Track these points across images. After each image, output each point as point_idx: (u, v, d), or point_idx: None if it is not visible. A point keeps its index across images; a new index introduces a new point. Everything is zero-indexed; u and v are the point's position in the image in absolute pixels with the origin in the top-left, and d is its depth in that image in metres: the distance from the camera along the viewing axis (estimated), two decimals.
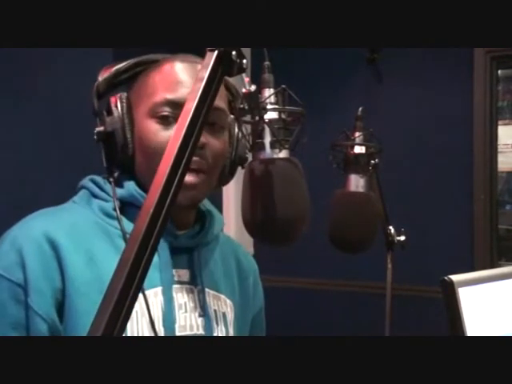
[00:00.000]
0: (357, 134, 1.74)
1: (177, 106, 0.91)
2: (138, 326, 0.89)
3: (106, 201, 0.95)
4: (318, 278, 3.29)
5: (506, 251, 3.14)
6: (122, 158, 0.95)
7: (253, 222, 0.90)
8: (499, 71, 3.09)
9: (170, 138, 0.61)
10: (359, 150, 1.73)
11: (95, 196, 0.97)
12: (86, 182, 1.00)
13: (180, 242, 0.97)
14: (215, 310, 0.99)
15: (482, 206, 3.00)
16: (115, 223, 0.93)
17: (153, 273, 0.91)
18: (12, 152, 2.30)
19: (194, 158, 0.91)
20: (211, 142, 0.95)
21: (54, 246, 0.88)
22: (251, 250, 3.36)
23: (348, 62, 3.21)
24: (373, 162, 1.70)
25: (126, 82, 1.00)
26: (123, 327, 0.52)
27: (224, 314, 1.00)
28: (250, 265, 1.13)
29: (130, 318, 0.87)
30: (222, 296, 1.01)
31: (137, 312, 0.89)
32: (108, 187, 0.96)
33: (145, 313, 0.89)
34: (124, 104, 0.96)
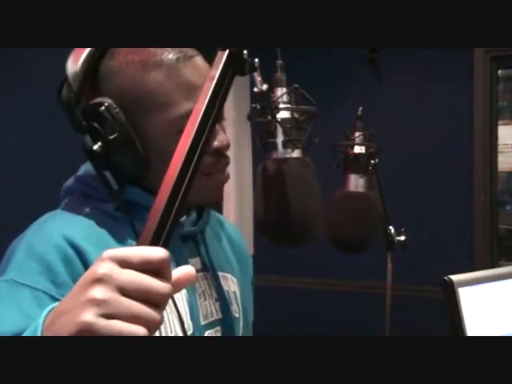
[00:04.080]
0: (357, 133, 1.74)
1: None
2: (169, 322, 0.88)
3: (103, 201, 0.89)
4: (318, 277, 3.29)
5: (506, 251, 3.14)
6: (129, 174, 0.88)
7: (266, 221, 0.89)
8: (499, 71, 3.09)
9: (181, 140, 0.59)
10: (359, 149, 1.73)
11: (89, 197, 0.91)
12: (74, 183, 0.94)
13: (185, 229, 0.94)
14: (227, 291, 1.00)
15: (482, 206, 3.00)
16: (121, 224, 0.88)
17: (171, 266, 0.91)
18: (12, 153, 2.30)
19: (226, 160, 0.91)
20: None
21: (78, 251, 0.83)
22: (251, 250, 3.37)
23: (348, 61, 3.21)
24: (373, 162, 1.70)
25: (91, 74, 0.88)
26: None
27: (234, 293, 1.01)
28: (239, 237, 1.13)
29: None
30: (229, 275, 1.02)
31: (166, 309, 0.86)
32: (97, 184, 0.89)
33: (173, 309, 0.88)
34: (122, 116, 0.85)
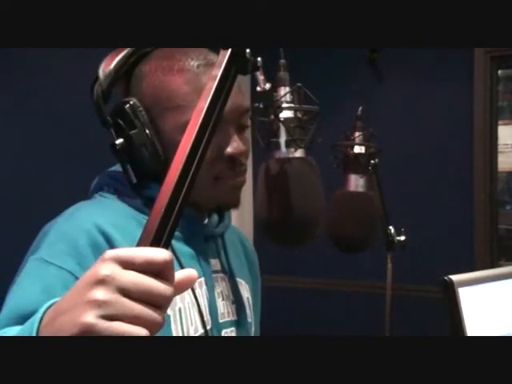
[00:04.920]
0: (357, 133, 1.74)
1: None
2: (190, 315, 0.91)
3: (132, 197, 0.93)
4: (318, 277, 3.29)
5: (506, 251, 3.14)
6: (149, 171, 0.91)
7: (268, 221, 0.90)
8: (499, 71, 3.09)
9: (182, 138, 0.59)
10: (359, 149, 1.73)
11: (119, 192, 0.95)
12: (105, 179, 0.98)
13: (208, 231, 0.98)
14: (242, 296, 1.02)
15: (482, 206, 3.00)
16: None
17: (194, 264, 0.93)
18: (12, 153, 2.30)
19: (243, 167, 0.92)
20: (248, 146, 0.94)
21: (108, 239, 0.86)
22: None
23: (348, 62, 3.21)
24: (373, 161, 1.70)
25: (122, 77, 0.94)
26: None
27: (248, 299, 1.05)
28: (251, 248, 1.18)
29: (184, 309, 0.90)
30: (243, 281, 1.05)
31: (188, 303, 0.91)
32: (126, 181, 0.93)
33: (195, 302, 0.91)
34: (144, 114, 0.90)
